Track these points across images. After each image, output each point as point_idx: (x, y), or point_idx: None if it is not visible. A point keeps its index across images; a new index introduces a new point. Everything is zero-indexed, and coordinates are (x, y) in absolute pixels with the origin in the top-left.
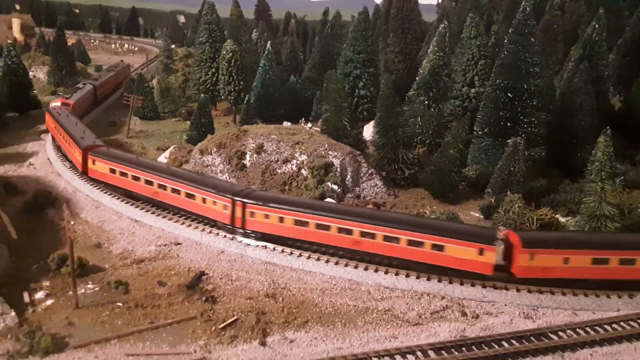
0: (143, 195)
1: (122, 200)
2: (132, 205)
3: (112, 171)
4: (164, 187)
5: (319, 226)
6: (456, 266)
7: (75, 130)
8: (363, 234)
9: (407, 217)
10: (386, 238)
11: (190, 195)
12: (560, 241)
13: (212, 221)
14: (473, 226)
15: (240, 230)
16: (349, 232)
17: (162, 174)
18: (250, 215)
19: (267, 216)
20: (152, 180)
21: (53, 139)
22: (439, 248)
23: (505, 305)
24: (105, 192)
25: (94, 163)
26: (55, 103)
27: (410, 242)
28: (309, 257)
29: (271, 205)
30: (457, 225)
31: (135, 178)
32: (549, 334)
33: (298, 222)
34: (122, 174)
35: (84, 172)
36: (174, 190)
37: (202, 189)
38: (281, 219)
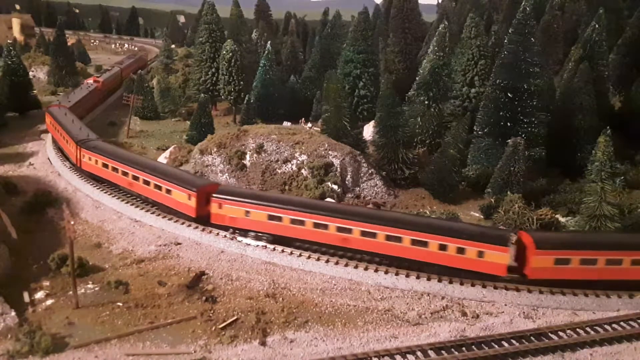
0: (54, 137)
1: (122, 200)
2: (132, 205)
3: (50, 123)
4: (62, 135)
5: (113, 169)
6: (176, 207)
7: (63, 99)
8: (134, 177)
9: (156, 165)
10: (144, 182)
11: (67, 141)
12: (243, 195)
13: (72, 162)
14: (195, 177)
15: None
16: (126, 174)
17: (62, 126)
18: (83, 158)
19: (90, 159)
20: (58, 129)
21: None
22: (169, 192)
23: (505, 305)
24: (105, 192)
25: (46, 118)
26: (89, 80)
27: (155, 186)
28: (309, 257)
29: (92, 150)
30: (184, 175)
31: (54, 128)
32: (549, 334)
33: (103, 165)
34: (52, 126)
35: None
36: (64, 138)
37: (70, 136)
38: (96, 162)
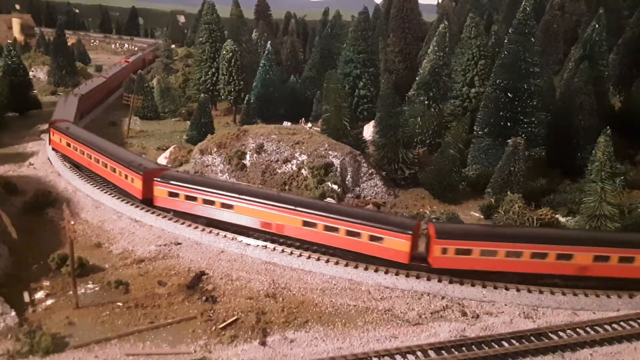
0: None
1: (123, 200)
2: (132, 205)
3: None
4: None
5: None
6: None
7: (103, 72)
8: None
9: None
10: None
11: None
12: (62, 129)
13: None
14: (65, 112)
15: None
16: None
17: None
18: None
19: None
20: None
21: None
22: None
23: (505, 305)
24: (105, 192)
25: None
26: (121, 61)
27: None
28: (309, 257)
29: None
30: (60, 113)
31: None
32: (549, 334)
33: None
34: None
35: None
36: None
37: None
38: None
